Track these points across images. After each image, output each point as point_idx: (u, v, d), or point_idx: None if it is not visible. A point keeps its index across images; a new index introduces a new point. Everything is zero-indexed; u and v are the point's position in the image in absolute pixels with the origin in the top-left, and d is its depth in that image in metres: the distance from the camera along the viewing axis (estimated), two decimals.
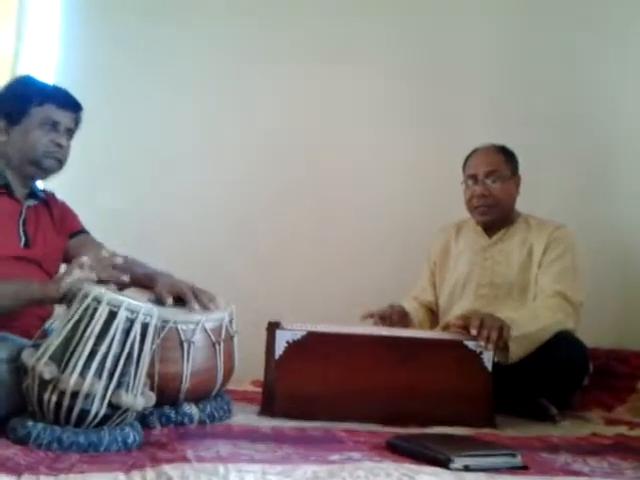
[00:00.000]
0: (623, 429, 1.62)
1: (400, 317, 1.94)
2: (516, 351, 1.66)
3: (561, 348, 1.70)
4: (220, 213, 2.36)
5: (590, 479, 1.15)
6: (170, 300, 1.48)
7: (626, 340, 2.11)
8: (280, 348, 1.60)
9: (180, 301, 1.52)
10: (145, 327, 1.26)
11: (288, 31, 2.44)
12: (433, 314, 2.14)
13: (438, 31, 2.51)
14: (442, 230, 2.20)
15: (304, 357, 1.58)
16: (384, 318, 1.88)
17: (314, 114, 2.47)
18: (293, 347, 1.59)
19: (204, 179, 2.38)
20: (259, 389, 1.75)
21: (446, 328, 1.81)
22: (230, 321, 1.57)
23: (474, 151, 2.09)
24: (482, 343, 1.56)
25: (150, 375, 1.33)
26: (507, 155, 2.04)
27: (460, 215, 2.14)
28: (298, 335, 1.59)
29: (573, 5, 2.47)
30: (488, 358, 1.57)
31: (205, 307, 1.50)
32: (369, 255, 2.44)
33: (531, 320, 1.71)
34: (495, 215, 2.01)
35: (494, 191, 1.99)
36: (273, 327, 1.63)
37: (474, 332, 1.57)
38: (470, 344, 1.57)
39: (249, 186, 2.41)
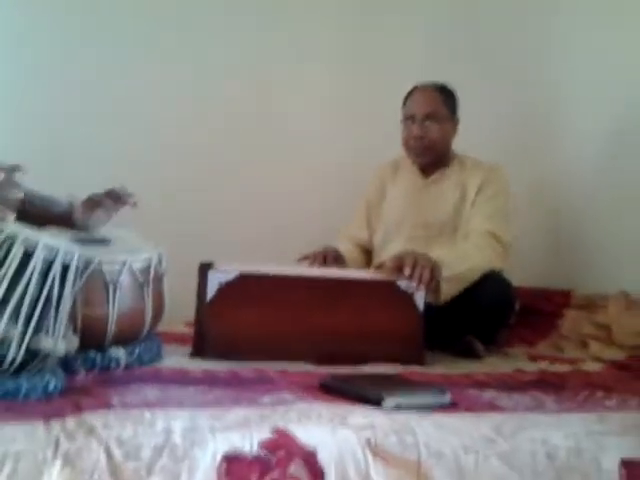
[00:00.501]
0: (544, 364, 1.68)
1: (334, 259, 1.93)
2: (447, 291, 1.68)
3: (488, 287, 1.73)
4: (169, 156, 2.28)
5: (514, 413, 1.19)
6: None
7: (552, 280, 2.17)
8: (212, 290, 1.55)
9: (104, 241, 1.45)
10: (65, 268, 1.18)
11: None
12: (368, 254, 2.13)
13: None
14: (379, 168, 2.18)
15: (236, 298, 1.55)
16: (318, 260, 1.87)
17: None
18: (225, 288, 1.55)
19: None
20: (192, 330, 1.72)
21: (380, 268, 1.81)
22: (159, 262, 1.51)
23: (413, 89, 2.05)
24: (414, 284, 1.57)
25: (73, 318, 1.26)
26: (447, 95, 2.02)
27: (398, 153, 2.12)
28: (230, 276, 1.55)
29: None
30: (420, 298, 1.58)
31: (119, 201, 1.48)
32: (302, 195, 2.40)
33: (461, 260, 1.73)
34: (431, 157, 2.00)
35: (431, 133, 1.96)
36: (205, 268, 1.58)
37: (407, 272, 1.57)
38: (402, 284, 1.58)
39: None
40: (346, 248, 2.06)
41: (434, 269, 1.60)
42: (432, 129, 1.96)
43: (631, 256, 2.02)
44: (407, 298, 1.58)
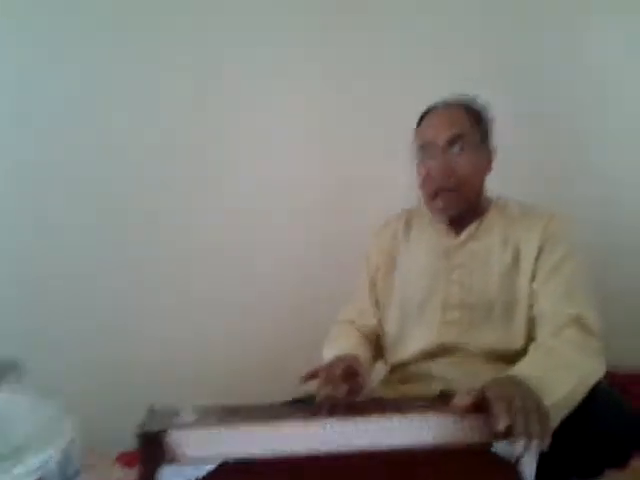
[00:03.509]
0: None
1: (356, 373, 1.24)
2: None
3: (602, 407, 1.12)
4: None
5: None
6: None
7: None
8: None
9: None
10: None
11: None
12: (376, 347, 1.48)
13: None
14: (385, 225, 1.54)
15: None
16: (336, 380, 1.17)
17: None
18: None
19: None
20: None
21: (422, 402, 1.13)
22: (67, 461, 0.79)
23: (429, 109, 1.42)
24: (520, 443, 0.91)
25: None
26: (476, 111, 1.40)
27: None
28: (203, 471, 0.85)
29: None
30: (530, 467, 0.93)
31: None
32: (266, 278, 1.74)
33: (559, 374, 1.10)
34: (461, 203, 1.37)
35: (460, 166, 1.34)
36: (151, 449, 0.86)
37: (503, 425, 0.91)
38: (500, 448, 0.92)
39: None
40: (355, 344, 1.39)
41: (541, 410, 0.95)
42: (461, 160, 1.34)
43: None
44: (508, 470, 0.93)
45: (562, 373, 1.08)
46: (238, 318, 1.80)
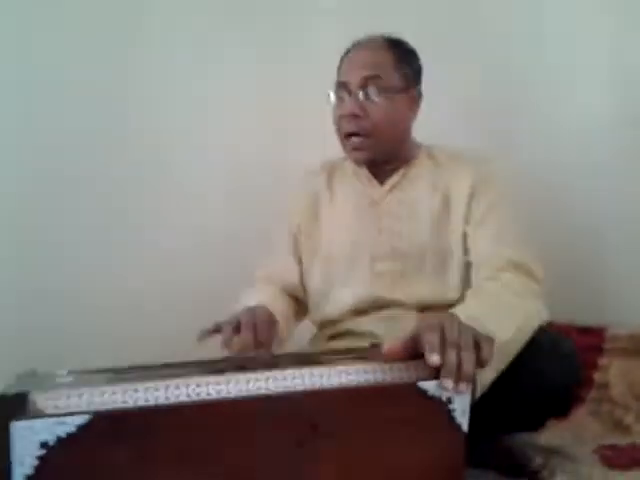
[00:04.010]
0: None
1: (269, 328, 1.11)
2: (489, 373, 0.94)
3: (546, 356, 1.02)
4: None
5: None
6: None
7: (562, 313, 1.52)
8: (27, 462, 0.68)
9: None
10: None
11: None
12: (298, 303, 1.36)
13: None
14: (307, 175, 1.41)
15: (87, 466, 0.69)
16: (245, 335, 1.03)
17: None
18: (59, 451, 0.69)
19: None
20: None
21: (362, 353, 0.99)
22: None
23: (351, 46, 1.30)
24: (449, 382, 0.79)
25: None
26: (401, 52, 1.27)
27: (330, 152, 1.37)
28: (71, 427, 0.69)
29: None
30: (462, 407, 0.81)
31: None
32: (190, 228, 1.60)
33: (500, 316, 0.96)
34: (377, 149, 1.25)
35: (374, 111, 1.23)
36: (8, 409, 0.70)
37: (435, 361, 0.79)
38: (429, 386, 0.80)
39: None
40: (271, 297, 1.26)
41: (480, 343, 0.84)
42: (375, 104, 1.22)
43: None
44: (440, 410, 0.81)
45: (503, 315, 0.96)
46: None
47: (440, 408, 0.80)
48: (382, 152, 1.26)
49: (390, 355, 0.82)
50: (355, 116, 1.22)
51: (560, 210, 1.69)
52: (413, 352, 0.83)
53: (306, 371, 0.80)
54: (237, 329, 1.05)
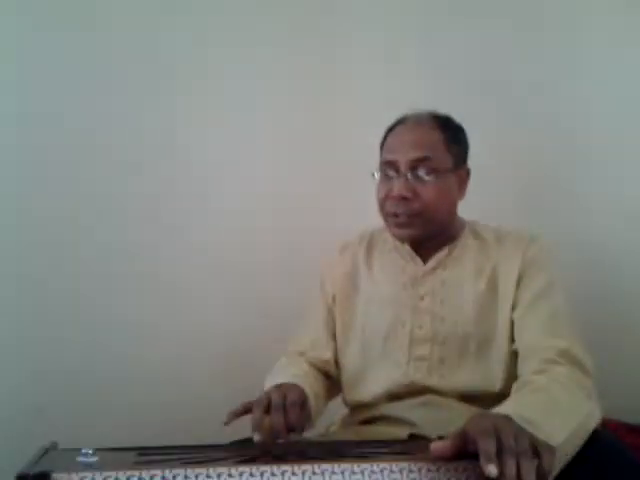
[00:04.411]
0: None
1: (300, 410, 1.04)
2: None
3: (605, 461, 0.93)
4: None
5: None
6: None
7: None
8: None
9: None
10: None
11: None
12: (330, 381, 1.29)
13: None
14: (343, 249, 1.36)
15: None
16: (276, 418, 0.97)
17: None
18: None
19: None
20: None
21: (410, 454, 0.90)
22: None
23: (398, 122, 1.28)
24: None
25: None
26: (451, 132, 1.24)
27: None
28: None
29: None
30: None
31: None
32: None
33: (555, 416, 0.88)
34: (424, 229, 1.21)
35: (423, 191, 1.19)
36: None
37: (493, 471, 0.72)
38: None
39: None
40: (302, 373, 1.20)
41: (539, 452, 0.76)
42: (425, 185, 1.19)
43: None
44: None
45: (558, 415, 0.89)
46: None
47: None
48: (428, 231, 1.22)
49: (438, 454, 0.76)
50: (403, 198, 1.19)
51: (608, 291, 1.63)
52: (461, 451, 0.76)
53: (346, 467, 0.73)
54: (267, 409, 0.99)
